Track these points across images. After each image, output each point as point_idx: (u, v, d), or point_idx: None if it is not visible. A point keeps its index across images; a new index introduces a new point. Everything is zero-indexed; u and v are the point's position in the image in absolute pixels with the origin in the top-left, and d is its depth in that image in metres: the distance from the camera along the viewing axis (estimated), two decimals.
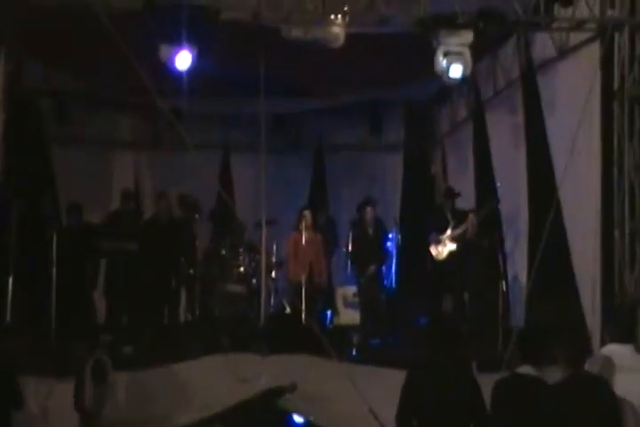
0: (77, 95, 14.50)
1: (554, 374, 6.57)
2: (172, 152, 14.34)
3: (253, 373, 10.25)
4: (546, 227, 9.81)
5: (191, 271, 12.36)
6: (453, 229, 12.62)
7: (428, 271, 13.04)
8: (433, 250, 12.72)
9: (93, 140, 15.17)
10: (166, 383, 10.20)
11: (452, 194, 13.33)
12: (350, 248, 13.56)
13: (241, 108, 14.29)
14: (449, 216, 12.84)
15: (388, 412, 6.97)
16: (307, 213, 13.11)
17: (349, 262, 13.65)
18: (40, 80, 13.45)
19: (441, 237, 12.66)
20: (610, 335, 7.01)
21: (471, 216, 12.29)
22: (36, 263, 11.91)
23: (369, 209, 13.27)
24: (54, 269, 11.50)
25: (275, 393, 9.99)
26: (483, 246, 12.27)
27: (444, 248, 12.61)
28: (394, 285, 14.26)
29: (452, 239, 12.54)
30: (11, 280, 11.26)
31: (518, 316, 11.47)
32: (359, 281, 13.12)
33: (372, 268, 12.90)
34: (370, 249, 13.08)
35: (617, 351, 6.75)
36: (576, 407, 6.10)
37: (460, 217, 12.81)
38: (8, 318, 11.05)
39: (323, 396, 10.14)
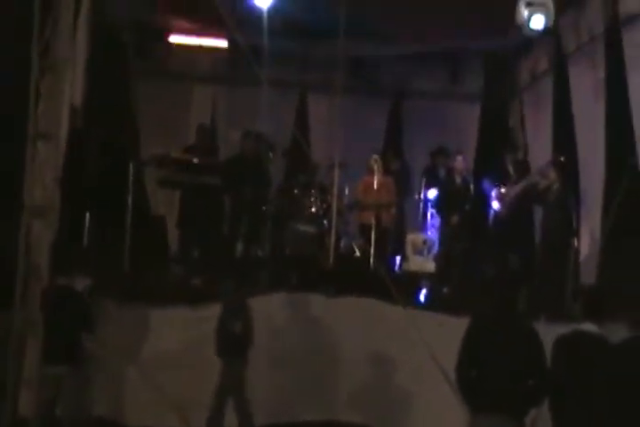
0: (158, 28, 14.62)
1: (617, 334, 6.66)
2: (249, 89, 14.38)
3: (318, 313, 10.44)
4: (622, 184, 9.75)
5: (264, 209, 12.48)
6: (515, 183, 12.61)
7: (493, 226, 12.99)
8: (495, 205, 12.72)
9: (173, 74, 15.29)
10: None
11: (513, 147, 13.26)
12: (435, 196, 13.50)
13: (321, 49, 14.28)
14: (511, 170, 12.81)
15: (452, 361, 7.07)
16: (378, 157, 13.18)
17: (432, 210, 13.65)
18: (123, 12, 13.52)
19: (503, 191, 12.65)
20: None
21: (550, 170, 12.19)
22: (113, 192, 12.13)
23: (460, 158, 13.20)
24: (129, 199, 11.72)
25: None
26: (554, 200, 12.14)
27: (506, 203, 12.59)
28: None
29: (515, 193, 12.53)
30: (87, 208, 11.53)
31: (589, 273, 11.47)
32: (441, 230, 13.11)
33: (455, 218, 12.83)
34: (455, 198, 12.99)
35: None
36: (637, 367, 6.20)
37: (522, 170, 12.78)
38: (85, 244, 11.36)
39: (385, 341, 10.29)
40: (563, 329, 7.04)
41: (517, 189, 12.57)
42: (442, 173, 13.81)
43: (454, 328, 8.09)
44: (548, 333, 7.09)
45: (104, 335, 9.73)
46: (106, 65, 12.81)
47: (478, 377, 6.85)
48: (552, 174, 12.02)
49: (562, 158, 12.17)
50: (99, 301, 9.71)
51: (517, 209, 12.63)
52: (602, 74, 12.00)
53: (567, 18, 12.78)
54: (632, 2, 10.96)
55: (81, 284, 9.28)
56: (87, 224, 11.41)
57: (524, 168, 12.91)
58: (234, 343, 9.43)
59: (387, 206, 13.06)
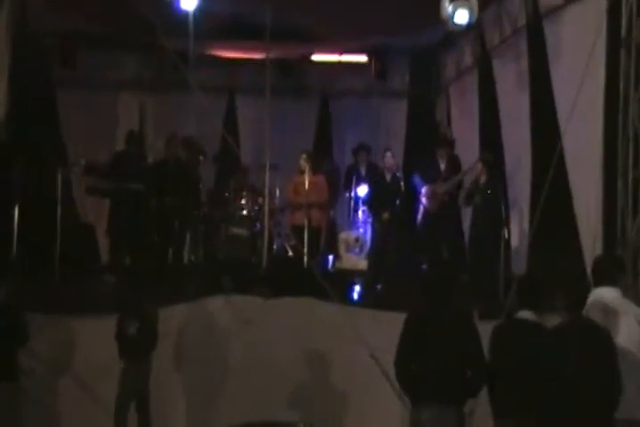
0: (82, 37, 14.44)
1: (553, 320, 6.72)
2: (177, 94, 14.29)
3: (255, 315, 10.38)
4: (548, 175, 9.83)
5: (195, 213, 12.39)
6: (445, 179, 12.65)
7: (423, 221, 13.01)
8: (425, 201, 12.75)
9: (98, 81, 15.12)
10: (168, 323, 10.31)
11: (445, 141, 13.32)
12: (366, 193, 13.51)
13: (247, 52, 14.24)
14: (442, 166, 12.85)
15: (390, 356, 7.08)
16: (307, 156, 13.14)
17: (363, 207, 13.67)
18: (45, 22, 13.32)
19: (433, 188, 12.69)
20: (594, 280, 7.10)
21: (478, 165, 12.26)
22: (41, 202, 11.98)
23: (389, 155, 13.22)
24: (59, 208, 11.56)
25: None
26: (480, 193, 12.20)
27: (435, 200, 12.64)
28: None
29: (444, 190, 12.59)
30: (16, 218, 11.35)
31: (521, 263, 11.54)
32: (373, 227, 13.11)
33: (386, 214, 12.77)
34: (386, 195, 12.94)
35: (606, 295, 6.86)
36: (574, 351, 6.24)
37: (453, 165, 12.83)
38: (14, 255, 11.18)
39: (322, 339, 10.26)
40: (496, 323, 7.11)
41: (447, 185, 12.62)
42: (363, 170, 13.82)
43: (390, 324, 8.10)
44: (482, 325, 7.12)
45: (37, 349, 9.59)
46: (30, 75, 12.65)
47: (417, 370, 6.86)
48: (479, 167, 12.12)
49: (489, 154, 12.27)
50: (30, 313, 9.52)
51: (448, 204, 12.68)
52: (525, 66, 12.12)
53: (490, 11, 12.88)
54: None
55: (11, 297, 9.07)
56: (15, 236, 11.21)
57: (454, 162, 12.96)
58: (132, 348, 9.33)
59: (318, 206, 13.02)
